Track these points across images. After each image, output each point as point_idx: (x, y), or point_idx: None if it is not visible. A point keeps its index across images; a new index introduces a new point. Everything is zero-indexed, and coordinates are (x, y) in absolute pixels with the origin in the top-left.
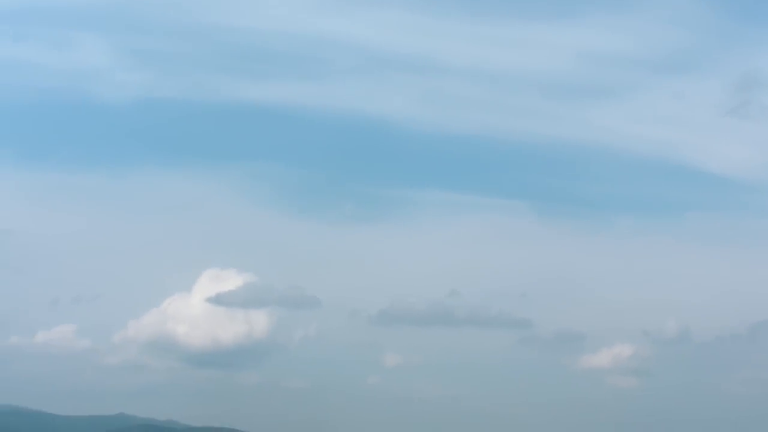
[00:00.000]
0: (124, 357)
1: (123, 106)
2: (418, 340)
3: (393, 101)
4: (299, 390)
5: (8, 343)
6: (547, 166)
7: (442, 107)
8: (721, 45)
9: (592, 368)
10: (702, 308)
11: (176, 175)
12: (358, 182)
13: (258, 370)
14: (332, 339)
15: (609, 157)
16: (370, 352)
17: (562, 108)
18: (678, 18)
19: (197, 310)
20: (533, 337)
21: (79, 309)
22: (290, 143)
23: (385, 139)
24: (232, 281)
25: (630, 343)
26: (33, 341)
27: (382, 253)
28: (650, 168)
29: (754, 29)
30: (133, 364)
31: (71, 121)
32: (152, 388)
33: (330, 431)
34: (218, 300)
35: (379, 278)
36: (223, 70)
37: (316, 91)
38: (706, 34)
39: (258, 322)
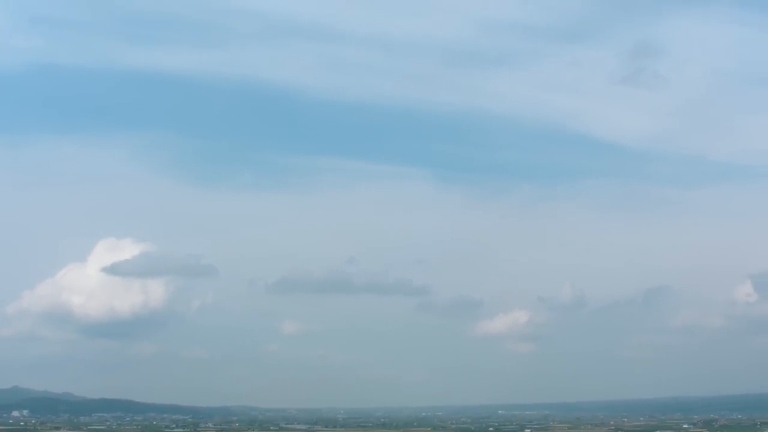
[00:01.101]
0: (18, 328)
1: (16, 72)
2: (316, 308)
3: (293, 68)
4: (198, 359)
5: None
6: (446, 133)
7: (342, 74)
8: (616, 14)
9: (489, 334)
10: (598, 274)
11: (72, 143)
12: (258, 150)
13: (155, 341)
14: (230, 307)
15: (507, 124)
16: (269, 319)
17: (461, 76)
18: None
19: (93, 281)
20: (431, 303)
21: None
22: (189, 111)
23: (285, 106)
24: (128, 251)
25: (526, 309)
26: None
27: (281, 220)
28: (548, 135)
29: None
30: (27, 336)
31: None
32: (48, 360)
33: (230, 400)
34: (114, 269)
35: (278, 246)
36: (122, 37)
37: (216, 58)
38: (602, 3)
39: (155, 291)
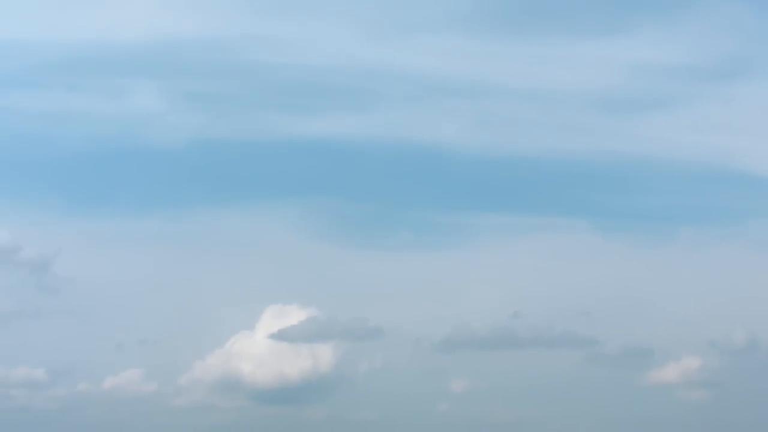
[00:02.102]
0: (191, 398)
1: (177, 149)
2: (483, 365)
3: (445, 127)
4: (368, 422)
5: (77, 390)
6: (604, 182)
7: (495, 130)
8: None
9: (661, 383)
10: None
11: (234, 214)
12: (415, 210)
13: (326, 404)
14: (398, 368)
15: (666, 168)
16: (436, 379)
17: (616, 122)
18: (726, 24)
19: (261, 348)
20: (599, 354)
21: (145, 352)
22: (345, 176)
23: (440, 165)
24: (294, 316)
25: (698, 355)
26: (101, 387)
27: (442, 279)
28: (708, 177)
29: None
30: (200, 405)
31: (127, 168)
32: (221, 428)
33: None
34: (282, 336)
35: (441, 305)
36: (274, 108)
37: (368, 122)
38: (755, 39)
39: (323, 355)
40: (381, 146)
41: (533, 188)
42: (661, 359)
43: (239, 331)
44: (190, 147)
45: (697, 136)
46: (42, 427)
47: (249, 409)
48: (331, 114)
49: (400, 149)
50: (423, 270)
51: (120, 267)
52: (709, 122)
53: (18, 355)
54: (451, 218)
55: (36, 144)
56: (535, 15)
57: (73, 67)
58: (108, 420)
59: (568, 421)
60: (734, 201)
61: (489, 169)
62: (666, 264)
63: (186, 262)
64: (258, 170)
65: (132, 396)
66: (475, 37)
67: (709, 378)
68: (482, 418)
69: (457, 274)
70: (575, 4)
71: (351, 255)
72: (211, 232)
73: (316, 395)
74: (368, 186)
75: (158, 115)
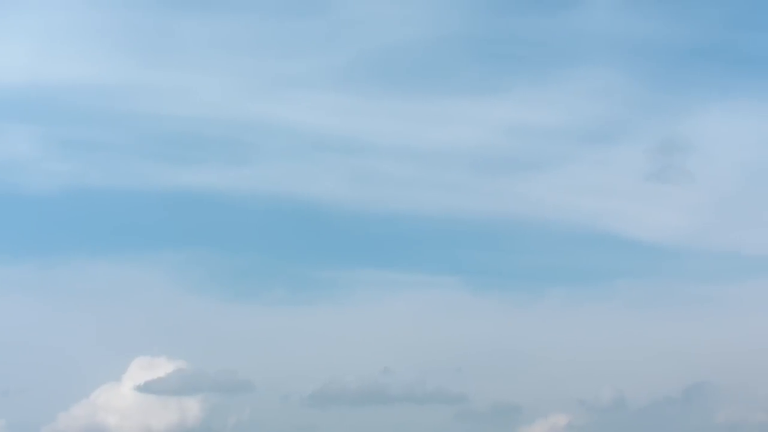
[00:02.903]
0: None
1: (51, 196)
2: (352, 420)
3: (321, 182)
4: None
5: None
6: (477, 240)
7: (370, 186)
8: (640, 113)
9: None
10: (636, 374)
11: (107, 263)
12: (290, 264)
13: None
14: (267, 423)
15: (538, 229)
16: None
17: (489, 181)
18: (599, 89)
19: (128, 400)
20: (469, 410)
21: (7, 403)
22: (222, 228)
23: (316, 221)
24: (162, 368)
25: (566, 412)
26: None
27: (315, 334)
28: (579, 238)
29: (672, 97)
30: None
31: None
32: None
33: None
34: (149, 388)
35: (312, 359)
36: (151, 157)
37: (245, 175)
38: (626, 103)
39: (191, 409)
40: (258, 199)
41: (407, 245)
42: (529, 416)
43: (105, 383)
44: (65, 194)
45: (569, 197)
46: None
47: None
48: (209, 165)
49: (277, 203)
50: (296, 324)
51: None
52: (581, 184)
53: None
54: (326, 273)
55: None
56: (413, 73)
57: None
58: None
59: None
60: (603, 262)
61: (364, 225)
62: (536, 322)
63: (55, 310)
64: (133, 220)
65: None
66: (353, 94)
67: None
68: None
69: (329, 329)
70: (453, 64)
71: (224, 308)
72: (83, 281)
73: None
74: (244, 239)
75: (32, 161)
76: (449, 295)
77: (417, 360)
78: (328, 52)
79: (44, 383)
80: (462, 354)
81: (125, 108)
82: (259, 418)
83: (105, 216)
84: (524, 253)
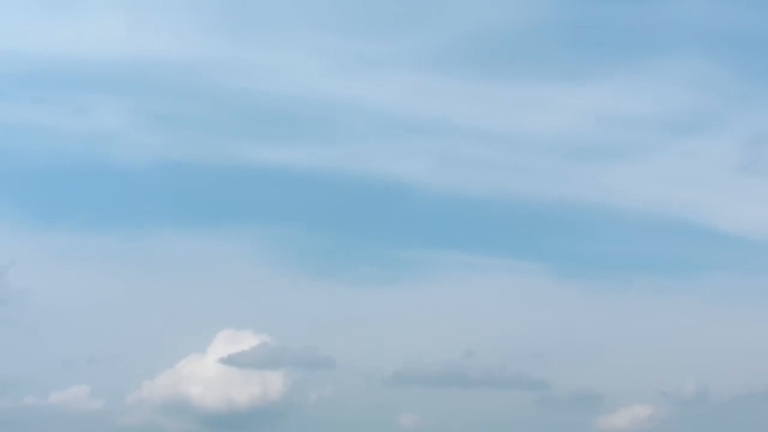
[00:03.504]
0: (137, 418)
1: (140, 168)
2: (433, 402)
3: (408, 163)
4: None
5: (22, 403)
6: (563, 227)
7: (458, 169)
8: (732, 104)
9: (610, 429)
10: (720, 368)
11: (193, 237)
12: (375, 244)
13: None
14: (347, 400)
15: (624, 218)
16: (385, 413)
17: (578, 169)
18: (690, 79)
19: (212, 371)
20: (550, 397)
21: (93, 370)
22: (308, 206)
23: (401, 201)
24: (247, 342)
25: (648, 403)
26: (47, 402)
27: (398, 314)
28: (666, 228)
29: (764, 89)
30: (146, 426)
31: (89, 184)
32: None
33: None
34: (232, 361)
35: (394, 339)
36: (240, 133)
37: (333, 153)
38: (718, 94)
39: (273, 383)
40: (344, 178)
41: (494, 229)
42: (610, 406)
43: (190, 354)
44: (154, 167)
45: (657, 188)
46: None
47: None
48: (296, 143)
49: (363, 182)
50: (379, 304)
51: (74, 283)
52: (670, 174)
53: None
54: (410, 254)
55: None
56: (505, 57)
57: (40, 80)
58: None
59: None
60: (690, 253)
61: (449, 207)
62: (620, 312)
63: (142, 281)
64: (220, 195)
65: (77, 413)
66: (443, 75)
67: (658, 427)
68: None
69: (412, 310)
70: (544, 50)
71: (308, 284)
72: (170, 254)
73: (263, 422)
74: (330, 217)
75: (123, 134)
76: (533, 281)
77: (499, 344)
78: (418, 33)
79: (130, 352)
80: (544, 340)
81: (216, 83)
82: (340, 396)
83: (193, 190)
84: (610, 242)
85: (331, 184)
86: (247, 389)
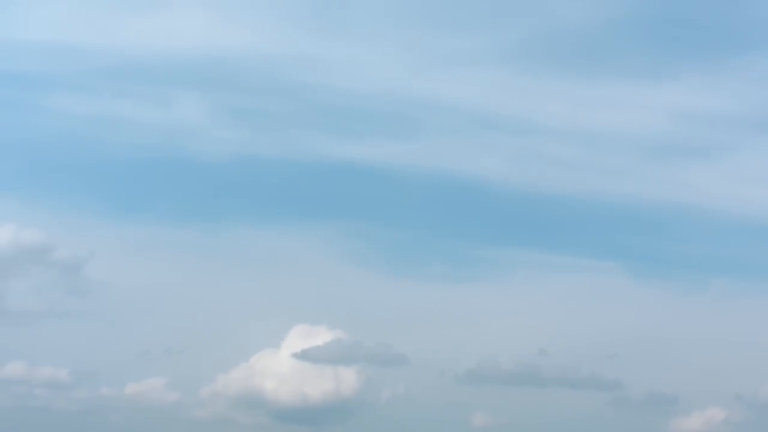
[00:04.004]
0: (212, 411)
1: (219, 163)
2: (506, 400)
3: (485, 161)
4: None
5: (98, 393)
6: (640, 226)
7: (535, 167)
8: None
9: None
10: None
11: (269, 231)
12: (450, 242)
13: (345, 428)
14: (420, 397)
15: (703, 217)
16: (458, 411)
17: (656, 168)
18: None
19: (285, 366)
20: (624, 398)
21: (169, 362)
22: (383, 202)
23: (478, 198)
24: (321, 337)
25: (723, 407)
26: (123, 393)
27: (471, 312)
28: (746, 229)
29: None
30: (221, 419)
31: (168, 177)
32: None
33: None
34: (306, 356)
35: (468, 337)
36: (318, 129)
37: (410, 150)
38: None
39: (346, 379)
40: (420, 175)
41: (568, 228)
42: (685, 408)
43: (264, 348)
44: (232, 162)
45: (737, 187)
46: (61, 427)
47: (268, 426)
48: (374, 139)
49: (439, 179)
50: (452, 301)
51: (151, 275)
52: (751, 174)
53: (43, 355)
54: (484, 252)
55: (78, 147)
56: (583, 55)
57: (121, 74)
58: (127, 426)
59: None
60: None
61: (525, 205)
62: (696, 313)
63: (218, 275)
64: (297, 190)
65: (153, 404)
66: (521, 73)
67: (733, 431)
68: None
69: (486, 308)
70: (623, 47)
71: (382, 281)
72: (246, 248)
73: (336, 418)
74: (405, 214)
75: (202, 128)
76: (609, 280)
77: (573, 344)
78: (496, 30)
79: (206, 345)
80: (619, 340)
81: (294, 79)
82: (413, 393)
83: (270, 185)
84: (688, 242)
85: (409, 180)
86: (320, 384)
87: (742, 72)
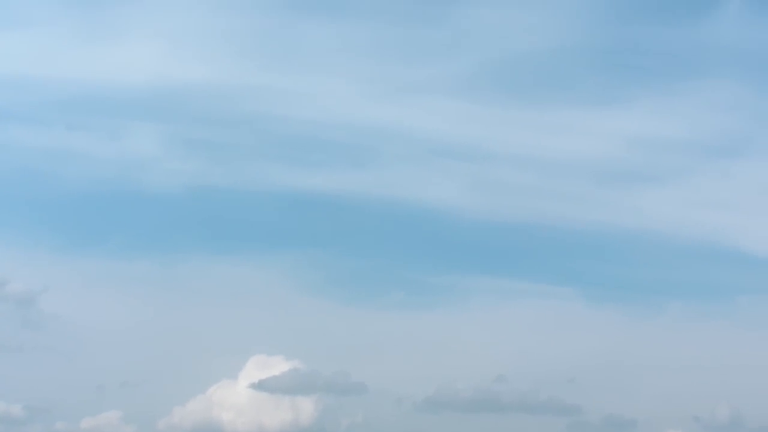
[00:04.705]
0: None
1: (174, 194)
2: (465, 427)
3: (442, 189)
4: None
5: (54, 428)
6: (596, 251)
7: (491, 194)
8: None
9: None
10: (754, 393)
11: (226, 262)
12: (407, 270)
13: None
14: (379, 426)
15: (658, 242)
16: None
17: (611, 193)
18: (725, 102)
19: (243, 397)
20: (583, 422)
21: (125, 395)
22: (340, 231)
23: (434, 226)
24: (278, 367)
25: (681, 429)
26: (79, 427)
27: (429, 339)
28: (700, 252)
29: None
30: None
31: (122, 210)
32: None
33: None
34: (264, 386)
35: (426, 364)
36: (272, 159)
37: (366, 179)
38: (753, 117)
39: (304, 408)
40: (377, 204)
41: (525, 254)
42: (644, 431)
43: (222, 379)
44: (187, 193)
45: (691, 211)
46: None
47: None
48: (329, 168)
49: (396, 208)
50: (410, 329)
51: (107, 308)
52: (704, 198)
53: None
54: (443, 280)
55: (32, 180)
56: (537, 83)
57: (74, 106)
58: None
59: None
60: (725, 278)
61: (483, 232)
62: (653, 336)
63: (174, 307)
64: (253, 220)
65: None
66: (475, 101)
67: None
68: None
69: (444, 335)
70: (576, 73)
71: (340, 310)
72: (202, 279)
73: None
74: (362, 243)
75: (157, 160)
76: (565, 306)
77: (531, 369)
78: (450, 59)
79: (161, 377)
80: (577, 365)
81: (248, 110)
82: (372, 421)
83: (225, 215)
84: (643, 266)
85: (364, 209)
86: (278, 415)
87: (692, 97)
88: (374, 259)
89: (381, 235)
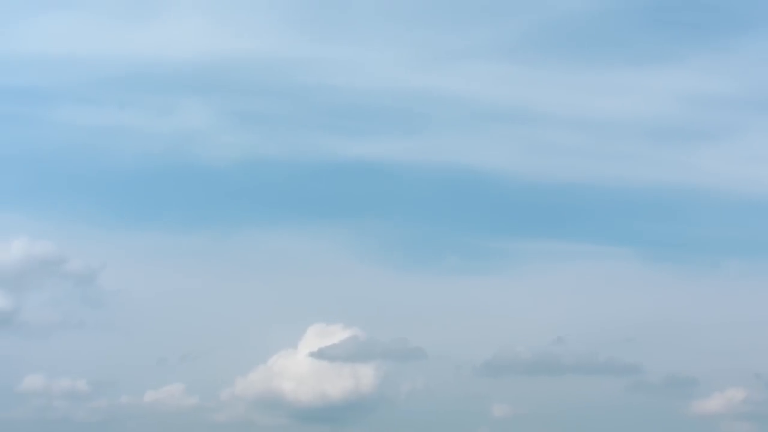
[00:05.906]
0: (231, 414)
1: (226, 167)
2: (525, 390)
3: (493, 153)
4: None
5: (118, 402)
6: (651, 211)
7: (543, 157)
8: None
9: (705, 414)
10: None
11: (281, 233)
12: (462, 235)
13: (366, 425)
14: (439, 391)
15: (713, 199)
16: (477, 403)
17: (664, 152)
18: None
19: (303, 366)
20: (642, 383)
21: (187, 367)
22: (393, 198)
23: (488, 190)
24: (337, 336)
25: (743, 386)
26: (142, 400)
27: (487, 303)
28: (756, 209)
29: None
30: (241, 421)
31: (176, 184)
32: None
33: None
34: (323, 355)
35: (484, 329)
36: (324, 129)
37: (416, 146)
38: None
39: (364, 375)
40: (429, 170)
41: (579, 215)
42: (705, 390)
43: (282, 349)
44: (239, 166)
45: (746, 168)
46: None
47: (289, 427)
48: (380, 137)
49: (449, 173)
50: (467, 294)
51: (164, 282)
52: (758, 154)
53: (61, 367)
54: (498, 243)
55: (86, 158)
56: (585, 43)
57: (126, 84)
58: None
59: None
60: None
61: (536, 195)
62: (711, 294)
63: (231, 279)
64: (306, 191)
65: (173, 410)
66: (524, 64)
67: (753, 410)
68: None
69: (501, 299)
70: (625, 33)
71: (395, 277)
72: (258, 251)
73: (356, 415)
74: (415, 209)
75: (208, 133)
76: (622, 266)
77: (589, 330)
78: (497, 23)
79: (223, 349)
80: (635, 325)
81: (297, 81)
82: (432, 386)
83: (279, 187)
84: (699, 224)
85: (417, 176)
86: (339, 383)
87: (745, 52)
88: (427, 225)
89: (433, 201)
